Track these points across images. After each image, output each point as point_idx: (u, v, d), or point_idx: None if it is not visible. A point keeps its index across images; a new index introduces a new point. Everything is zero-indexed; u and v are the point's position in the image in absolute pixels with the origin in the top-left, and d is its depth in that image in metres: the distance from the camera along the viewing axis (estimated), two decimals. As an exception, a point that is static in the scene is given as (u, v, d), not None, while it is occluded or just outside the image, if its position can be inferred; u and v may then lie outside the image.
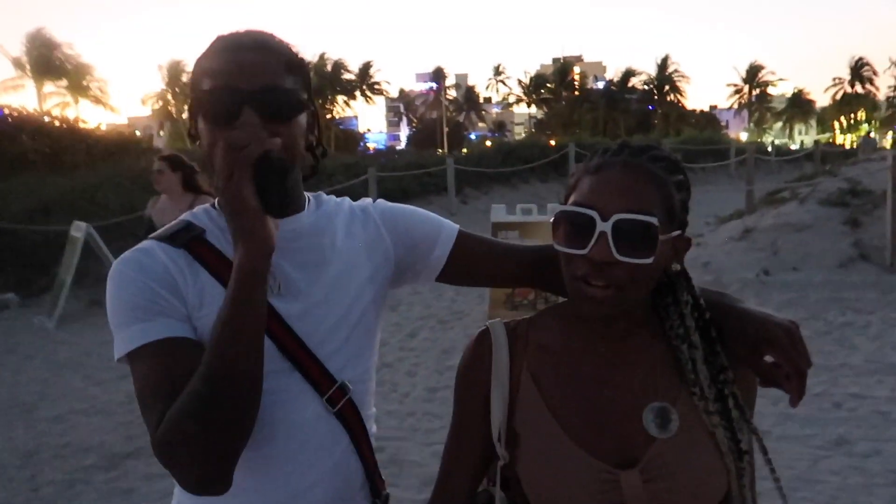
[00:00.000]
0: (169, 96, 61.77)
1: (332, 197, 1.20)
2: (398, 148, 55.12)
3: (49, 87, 49.50)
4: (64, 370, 6.15)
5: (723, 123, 78.50)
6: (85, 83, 50.20)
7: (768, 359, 0.98)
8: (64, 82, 49.56)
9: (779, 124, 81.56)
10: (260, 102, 0.94)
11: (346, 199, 1.21)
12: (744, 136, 64.13)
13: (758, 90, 79.16)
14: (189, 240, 1.05)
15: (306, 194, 1.13)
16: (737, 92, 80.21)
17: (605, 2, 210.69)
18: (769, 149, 27.53)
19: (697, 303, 1.02)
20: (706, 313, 1.01)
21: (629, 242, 0.92)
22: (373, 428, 1.18)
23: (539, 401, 1.02)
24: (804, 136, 78.70)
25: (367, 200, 1.23)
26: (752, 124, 78.27)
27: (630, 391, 1.01)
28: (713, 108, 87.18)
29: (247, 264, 0.92)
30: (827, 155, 20.39)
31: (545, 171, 18.09)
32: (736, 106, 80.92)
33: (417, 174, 13.84)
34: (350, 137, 65.74)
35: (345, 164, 14.21)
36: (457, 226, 1.24)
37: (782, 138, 75.09)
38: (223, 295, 0.98)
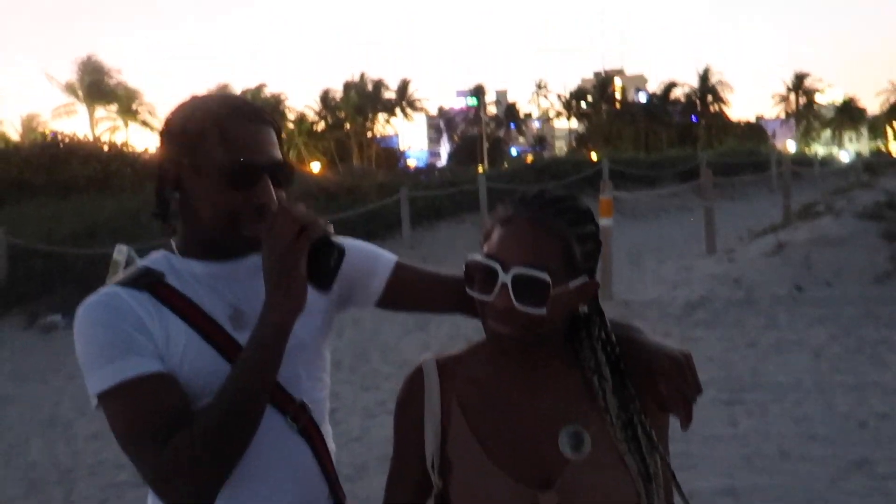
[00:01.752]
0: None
1: None
2: (439, 165, 55.48)
3: (100, 111, 51.33)
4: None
5: (769, 133, 76.78)
6: (134, 107, 51.92)
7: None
8: (114, 107, 51.33)
9: (827, 133, 79.52)
10: (273, 174, 1.14)
11: None
12: (791, 146, 62.68)
13: (804, 98, 77.43)
14: (150, 283, 1.14)
15: None
16: (783, 100, 78.62)
17: (647, 9, 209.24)
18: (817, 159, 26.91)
19: (609, 339, 1.10)
20: (616, 349, 1.10)
21: (527, 294, 1.01)
22: (331, 445, 1.26)
23: (466, 429, 1.11)
24: (854, 145, 76.50)
25: None
26: (799, 134, 76.51)
27: (547, 416, 1.09)
28: (759, 118, 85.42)
29: (279, 318, 1.07)
30: (872, 165, 19.79)
31: (580, 187, 17.97)
32: (783, 115, 79.25)
33: (450, 193, 13.96)
34: (391, 155, 66.52)
35: (378, 183, 14.43)
36: (395, 257, 1.34)
37: (831, 147, 73.08)
38: (188, 333, 1.11)
